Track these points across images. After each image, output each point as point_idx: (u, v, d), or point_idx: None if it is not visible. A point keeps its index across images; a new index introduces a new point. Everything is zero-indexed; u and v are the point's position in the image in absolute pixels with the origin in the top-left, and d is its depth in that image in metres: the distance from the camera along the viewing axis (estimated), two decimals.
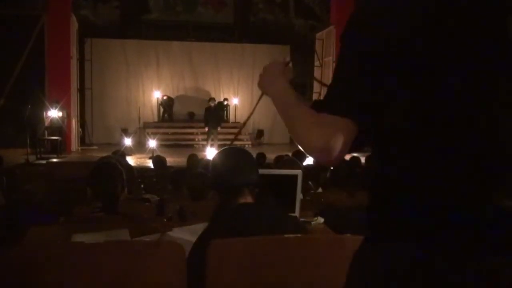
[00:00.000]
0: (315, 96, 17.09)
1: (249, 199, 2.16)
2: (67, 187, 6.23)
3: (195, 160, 7.20)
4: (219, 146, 13.64)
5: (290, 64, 1.63)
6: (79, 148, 14.96)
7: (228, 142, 14.64)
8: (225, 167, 2.18)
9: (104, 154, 7.46)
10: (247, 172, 2.18)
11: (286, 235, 2.00)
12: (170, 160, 9.35)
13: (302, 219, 2.91)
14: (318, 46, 16.91)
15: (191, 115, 17.87)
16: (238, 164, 2.18)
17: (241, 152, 2.32)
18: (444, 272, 1.08)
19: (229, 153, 2.26)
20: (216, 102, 15.28)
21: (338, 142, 1.13)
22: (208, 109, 14.73)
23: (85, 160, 11.24)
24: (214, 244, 1.90)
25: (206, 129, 14.70)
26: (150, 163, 10.19)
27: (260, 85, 1.60)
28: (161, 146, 13.83)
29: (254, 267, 1.96)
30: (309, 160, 5.87)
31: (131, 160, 10.62)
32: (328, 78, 17.25)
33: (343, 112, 1.14)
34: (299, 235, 2.06)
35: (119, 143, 14.07)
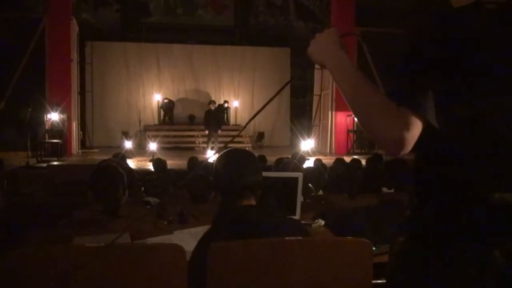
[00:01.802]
0: (315, 99, 17.10)
1: (252, 201, 2.13)
2: (68, 190, 6.23)
3: (195, 163, 7.20)
4: (220, 148, 13.65)
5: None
6: (80, 151, 14.96)
7: (228, 145, 14.62)
8: (228, 168, 2.16)
9: (105, 157, 7.46)
10: (250, 173, 2.15)
11: (286, 238, 1.99)
12: (171, 163, 9.36)
13: (302, 222, 2.91)
14: None
15: (191, 118, 17.87)
16: (241, 166, 2.16)
17: (245, 153, 2.29)
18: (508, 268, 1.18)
19: (232, 155, 2.23)
20: (216, 105, 15.26)
21: (413, 137, 1.21)
22: (208, 112, 14.72)
23: (86, 163, 11.24)
24: (216, 246, 1.90)
25: (206, 132, 14.69)
26: (150, 166, 10.19)
27: (314, 53, 1.51)
28: (161, 149, 13.83)
29: (255, 269, 1.95)
30: (309, 163, 5.88)
31: (131, 163, 10.62)
32: (328, 81, 17.09)
33: (421, 111, 1.21)
34: (299, 237, 2.06)
35: (120, 146, 14.09)
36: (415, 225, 1.31)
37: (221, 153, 2.27)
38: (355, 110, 1.31)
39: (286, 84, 1.96)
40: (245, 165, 2.16)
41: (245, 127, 2.49)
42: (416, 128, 1.21)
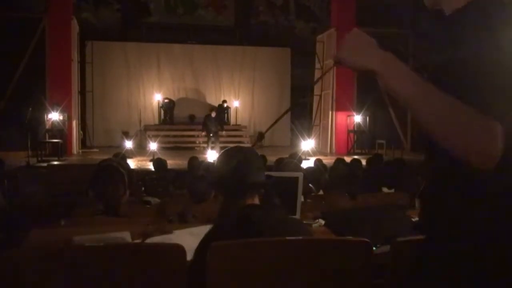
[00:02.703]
0: (316, 99, 17.11)
1: (255, 200, 2.08)
2: (68, 189, 6.24)
3: (196, 163, 7.20)
4: (221, 148, 13.65)
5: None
6: (80, 151, 14.97)
7: (229, 145, 14.63)
8: (230, 166, 2.07)
9: (105, 157, 7.44)
10: (254, 172, 2.08)
11: (287, 238, 1.99)
12: (171, 163, 9.35)
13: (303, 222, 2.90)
14: (318, 48, 16.93)
15: (191, 118, 17.88)
16: (244, 164, 2.08)
17: (248, 151, 2.20)
18: None
19: (234, 152, 2.15)
20: (216, 112, 15.14)
21: (501, 149, 1.12)
22: (208, 117, 14.69)
23: (86, 163, 11.25)
24: (216, 246, 1.90)
25: (204, 133, 14.70)
26: (151, 166, 10.19)
27: (352, 58, 1.29)
28: (162, 148, 13.84)
29: (255, 270, 1.95)
30: (309, 163, 5.88)
31: (132, 163, 10.63)
32: (329, 81, 17.11)
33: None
34: (300, 237, 2.06)
35: (120, 146, 14.09)
36: (458, 232, 1.29)
37: (223, 150, 2.22)
38: (429, 121, 1.16)
39: (311, 88, 1.83)
40: (248, 163, 2.09)
41: (263, 136, 2.40)
42: (503, 140, 1.12)
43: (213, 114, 14.70)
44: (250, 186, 2.07)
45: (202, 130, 14.84)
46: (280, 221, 2.10)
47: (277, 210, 2.21)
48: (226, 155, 2.15)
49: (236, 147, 2.25)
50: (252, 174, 2.07)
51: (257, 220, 2.01)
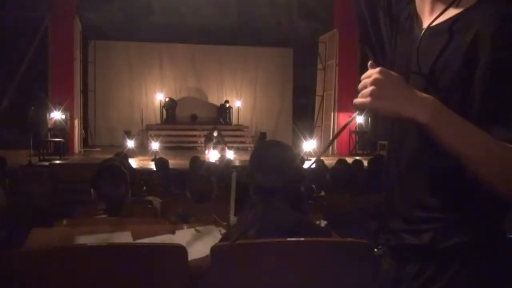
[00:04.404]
0: (317, 100, 17.11)
1: (284, 202, 2.05)
2: (70, 189, 6.24)
3: (197, 162, 7.21)
4: (221, 149, 13.64)
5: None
6: (82, 150, 14.98)
7: (231, 145, 14.62)
8: (268, 164, 2.02)
9: (107, 156, 7.46)
10: (290, 175, 2.02)
11: (288, 239, 1.99)
12: (173, 162, 9.36)
13: None
14: (321, 49, 16.93)
15: (194, 118, 17.88)
16: (281, 164, 2.03)
17: (290, 151, 2.14)
18: None
19: (276, 150, 2.09)
20: (218, 133, 14.60)
21: None
22: (209, 136, 14.42)
23: (88, 162, 11.26)
24: (217, 247, 1.90)
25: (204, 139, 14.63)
26: (152, 165, 10.21)
27: (389, 105, 1.12)
28: (163, 148, 13.83)
29: (257, 270, 1.95)
30: (310, 163, 5.88)
31: (133, 162, 10.64)
32: (331, 81, 17.10)
33: None
34: (301, 238, 2.06)
35: (122, 145, 14.09)
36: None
37: (266, 144, 2.12)
38: (487, 174, 1.10)
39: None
40: (287, 165, 2.04)
41: (325, 150, 2.29)
42: None
43: (215, 133, 14.40)
44: (282, 188, 2.03)
45: (204, 147, 14.70)
46: (302, 226, 2.07)
47: (298, 214, 2.16)
48: (268, 150, 2.10)
49: (279, 143, 2.19)
50: (288, 177, 2.02)
51: (280, 223, 1.99)
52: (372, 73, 1.13)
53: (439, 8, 1.29)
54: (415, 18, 1.38)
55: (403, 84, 1.13)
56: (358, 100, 1.14)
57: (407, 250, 1.31)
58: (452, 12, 1.25)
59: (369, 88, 1.11)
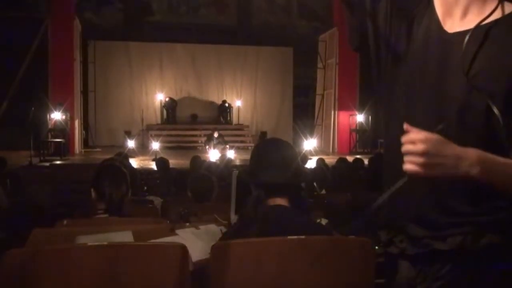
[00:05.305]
0: (318, 99, 17.10)
1: (285, 201, 2.03)
2: (70, 189, 6.24)
3: (198, 162, 7.21)
4: (222, 149, 13.64)
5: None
6: (82, 150, 14.99)
7: (232, 145, 14.64)
8: (270, 163, 2.01)
9: (107, 156, 7.46)
10: (292, 172, 2.01)
11: (288, 237, 1.99)
12: (173, 162, 9.36)
13: None
14: (321, 47, 16.93)
15: (194, 117, 17.88)
16: (283, 161, 2.01)
17: (291, 149, 2.12)
18: None
19: (276, 147, 2.08)
20: (218, 135, 14.75)
21: None
22: (209, 137, 14.55)
23: (88, 162, 11.27)
24: (217, 246, 1.90)
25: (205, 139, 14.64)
26: (153, 165, 10.22)
27: (443, 170, 1.16)
28: (164, 148, 13.84)
29: (257, 269, 1.95)
30: (312, 162, 5.88)
31: (134, 162, 10.63)
32: (331, 80, 17.13)
33: None
34: (302, 236, 2.05)
35: (122, 145, 14.11)
36: None
37: (267, 142, 2.12)
38: None
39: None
40: (287, 161, 2.02)
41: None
42: None
43: (216, 135, 14.49)
44: (284, 186, 2.02)
45: (204, 145, 14.74)
46: (305, 225, 2.05)
47: (306, 213, 2.15)
48: (269, 147, 2.10)
49: (278, 141, 2.19)
50: (290, 174, 2.01)
51: (282, 222, 1.97)
52: (416, 140, 1.15)
53: (477, 9, 1.29)
54: (432, 19, 1.37)
55: (447, 146, 1.16)
56: (411, 169, 1.15)
57: (431, 255, 1.31)
58: (497, 14, 1.26)
59: (420, 160, 1.14)
